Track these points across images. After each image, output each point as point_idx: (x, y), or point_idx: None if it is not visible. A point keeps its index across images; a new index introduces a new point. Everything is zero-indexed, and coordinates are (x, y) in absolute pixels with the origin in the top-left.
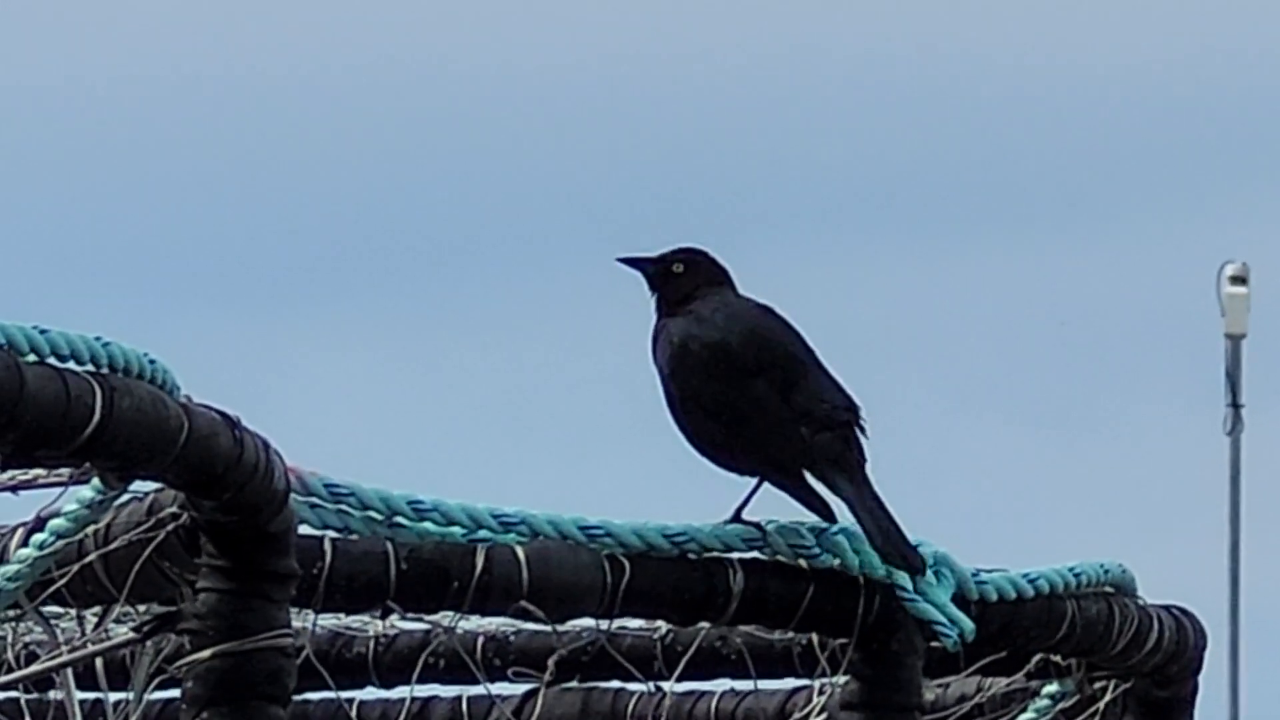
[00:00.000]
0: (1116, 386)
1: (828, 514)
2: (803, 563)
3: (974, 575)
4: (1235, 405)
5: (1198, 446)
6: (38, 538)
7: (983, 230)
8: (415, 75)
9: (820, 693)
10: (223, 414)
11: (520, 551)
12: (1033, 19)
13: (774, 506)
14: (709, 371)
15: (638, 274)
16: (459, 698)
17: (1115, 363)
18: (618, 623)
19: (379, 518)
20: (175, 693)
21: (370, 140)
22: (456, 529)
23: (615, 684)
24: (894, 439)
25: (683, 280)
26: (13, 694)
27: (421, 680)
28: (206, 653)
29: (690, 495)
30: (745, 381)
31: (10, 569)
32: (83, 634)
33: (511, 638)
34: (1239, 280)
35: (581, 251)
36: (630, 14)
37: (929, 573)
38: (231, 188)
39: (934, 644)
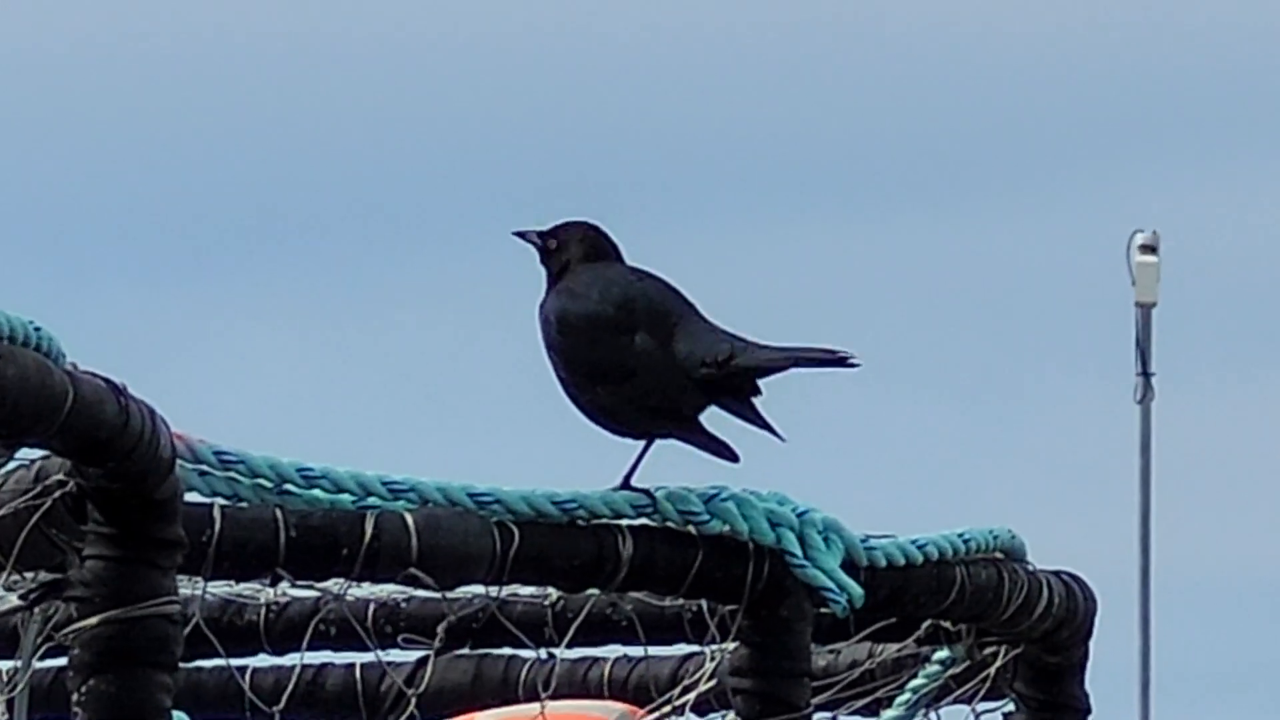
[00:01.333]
0: (1027, 355)
1: (730, 454)
2: (692, 529)
3: (863, 541)
4: (1146, 374)
5: (1109, 415)
6: None
7: (894, 199)
8: (324, 46)
9: (711, 659)
10: (108, 381)
11: (410, 518)
12: None
13: (663, 473)
14: (587, 340)
15: (528, 238)
16: (352, 664)
17: (1026, 331)
18: (508, 590)
19: (268, 485)
20: (64, 660)
21: (277, 110)
22: (346, 496)
23: (507, 651)
24: (803, 405)
25: (560, 254)
26: None
27: (313, 647)
28: (94, 620)
29: (582, 464)
30: (623, 339)
31: None
32: None
33: (402, 605)
34: (1149, 249)
35: (484, 223)
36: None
37: (819, 538)
38: (139, 155)
39: (823, 610)
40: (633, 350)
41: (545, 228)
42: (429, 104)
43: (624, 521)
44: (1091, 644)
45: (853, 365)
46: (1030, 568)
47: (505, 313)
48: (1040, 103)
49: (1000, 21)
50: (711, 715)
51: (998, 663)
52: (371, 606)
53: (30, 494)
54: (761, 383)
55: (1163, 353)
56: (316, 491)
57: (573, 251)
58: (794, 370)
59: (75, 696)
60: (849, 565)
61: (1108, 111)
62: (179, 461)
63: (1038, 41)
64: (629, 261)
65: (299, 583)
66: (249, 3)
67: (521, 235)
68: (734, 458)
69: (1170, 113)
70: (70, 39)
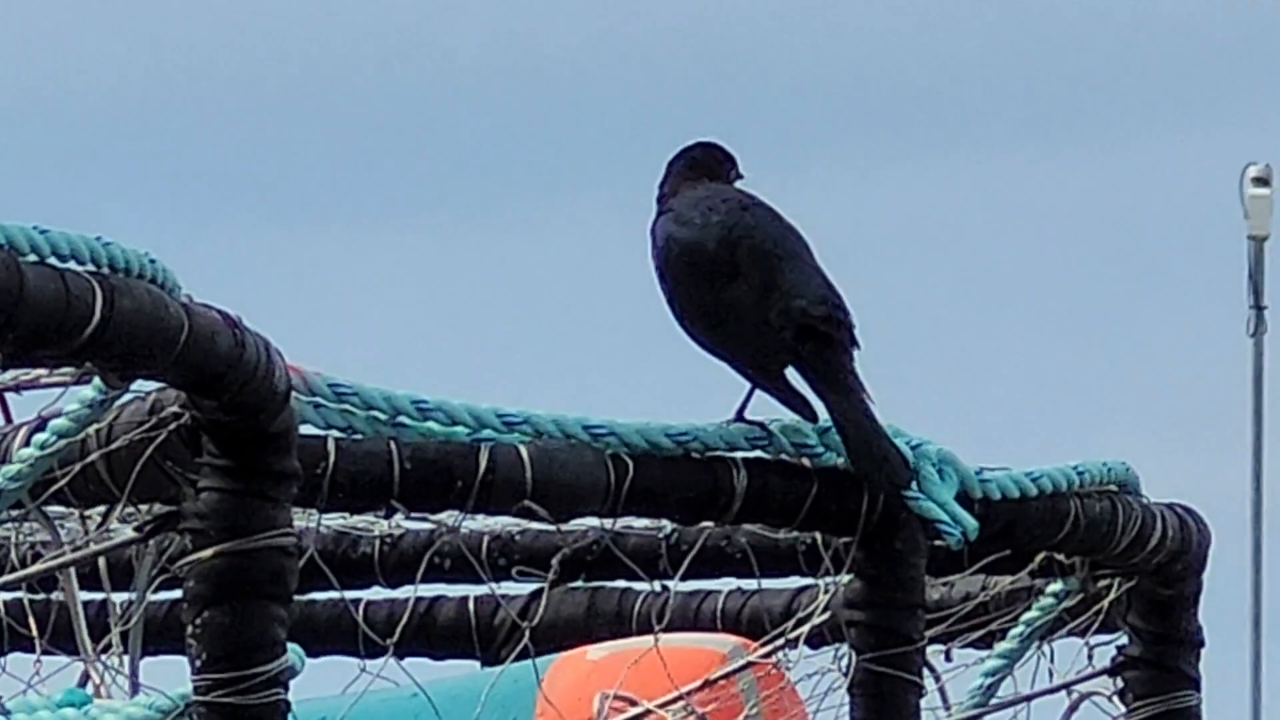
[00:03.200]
0: (1140, 288)
1: (810, 414)
2: (806, 461)
3: (977, 474)
4: (1259, 307)
5: (1221, 348)
6: (39, 437)
7: (1008, 135)
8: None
9: (825, 592)
10: (223, 314)
11: (524, 451)
12: None
13: (777, 406)
14: (689, 273)
15: (648, 170)
16: (465, 598)
17: (1139, 265)
18: (622, 522)
19: (383, 417)
20: (178, 592)
21: (389, 52)
22: (460, 429)
23: (620, 583)
24: (916, 339)
25: (670, 173)
26: (17, 594)
27: (427, 580)
28: (208, 552)
29: (697, 397)
30: (722, 285)
31: (12, 468)
32: (86, 533)
33: (516, 537)
34: (1262, 182)
35: (597, 158)
36: None
37: (933, 470)
38: (256, 95)
39: (938, 542)
40: (726, 299)
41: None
42: (541, 43)
43: (738, 454)
44: (1204, 577)
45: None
46: (1144, 500)
47: (619, 244)
48: (1151, 38)
49: None
50: (825, 648)
51: (1111, 595)
52: (486, 539)
53: (145, 426)
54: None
55: (1276, 286)
56: (431, 424)
57: (681, 170)
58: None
59: (190, 629)
60: (963, 498)
61: (1219, 45)
62: (294, 394)
63: None
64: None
65: (413, 515)
66: None
67: None
68: (814, 418)
69: None
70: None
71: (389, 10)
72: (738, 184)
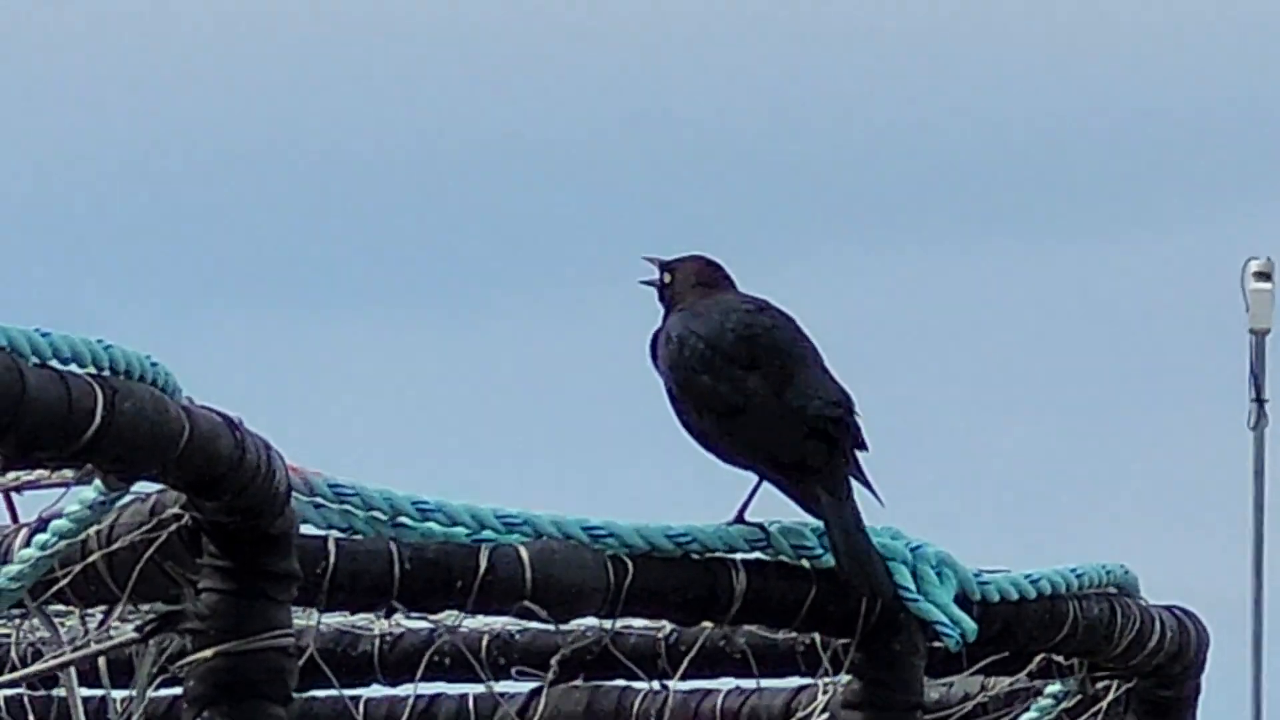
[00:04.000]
0: (1140, 381)
1: (817, 514)
2: (805, 563)
3: (976, 576)
4: (1259, 400)
5: (1222, 442)
6: (40, 538)
7: (1012, 228)
8: (437, 92)
9: (824, 692)
10: (224, 416)
11: (524, 551)
12: (1058, 19)
13: (776, 507)
14: (705, 364)
15: (652, 283)
16: (464, 696)
17: (1139, 358)
18: (621, 622)
19: (383, 518)
20: (178, 691)
21: (387, 145)
22: (460, 529)
23: (620, 683)
24: (915, 433)
25: (676, 284)
26: (17, 691)
27: (427, 678)
28: (208, 652)
29: (695, 496)
30: (740, 375)
31: (13, 568)
32: (86, 633)
33: (516, 636)
34: (1263, 276)
35: (596, 259)
36: (641, 27)
37: (932, 572)
38: (252, 193)
39: (936, 644)
40: (746, 388)
41: (666, 259)
42: (541, 142)
43: (738, 555)
44: (1204, 678)
45: None
46: (1142, 602)
47: (619, 344)
48: (1156, 132)
49: (1113, 53)
50: None
51: (1110, 696)
52: (485, 638)
53: (146, 527)
54: (868, 410)
55: (1276, 379)
56: (431, 524)
57: (688, 282)
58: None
59: None
60: (962, 599)
61: (1222, 140)
62: (294, 494)
63: (1153, 72)
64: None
65: (413, 615)
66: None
67: (649, 259)
68: (821, 516)
69: None
70: (199, 75)
71: (384, 107)
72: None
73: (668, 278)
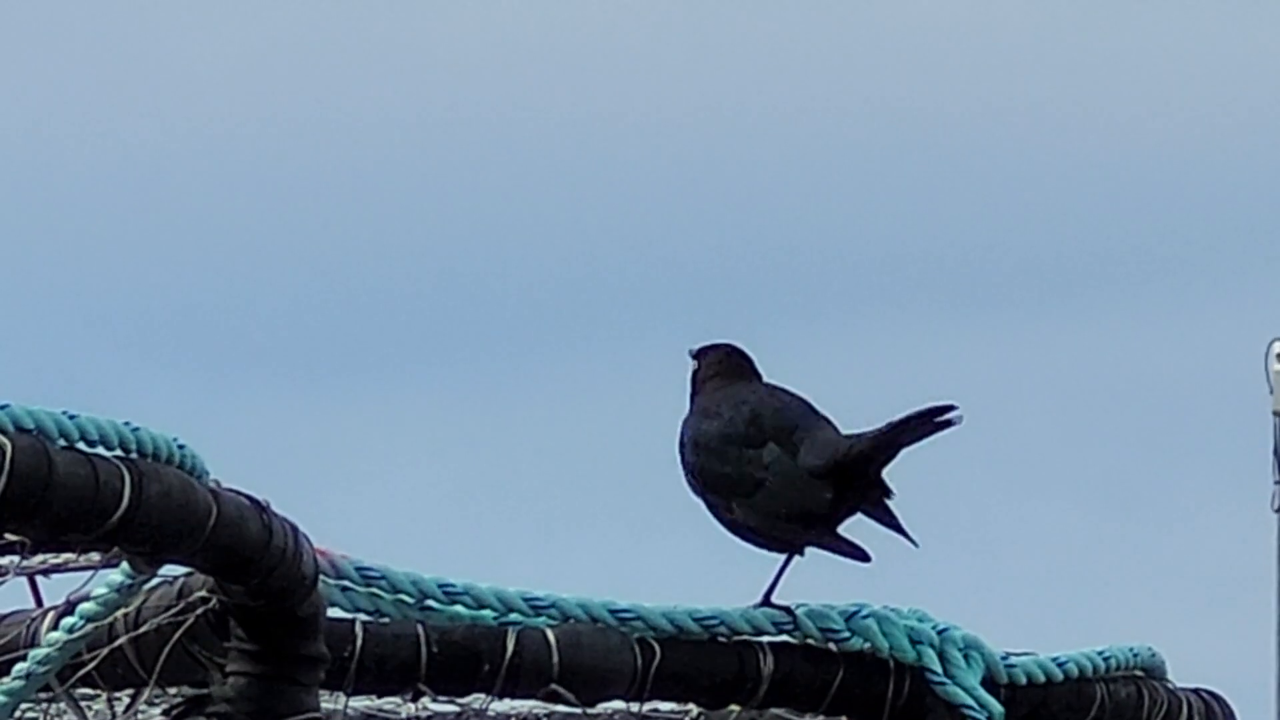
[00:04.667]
0: (1165, 463)
1: (862, 555)
2: (832, 646)
3: (1003, 658)
4: None
5: (1246, 524)
6: (68, 621)
7: (1033, 305)
8: (468, 162)
9: None
10: (251, 499)
11: (551, 634)
12: (1079, 95)
13: (803, 590)
14: (718, 456)
15: (680, 353)
16: None
17: (1163, 439)
18: (649, 705)
19: (410, 601)
20: None
21: (414, 226)
22: (488, 612)
23: None
24: (945, 516)
25: (702, 373)
26: None
27: None
28: None
29: (723, 579)
30: (751, 453)
31: (41, 652)
32: (114, 716)
33: (543, 719)
34: None
35: (625, 340)
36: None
37: (959, 655)
38: (275, 272)
39: None
40: (761, 462)
41: (697, 347)
42: (565, 221)
43: (765, 638)
44: None
45: (953, 423)
46: (1170, 686)
47: (646, 424)
48: (1178, 210)
49: (1135, 132)
50: None
51: None
52: None
53: (173, 610)
54: (894, 485)
55: None
56: (458, 607)
57: (711, 371)
58: (911, 450)
59: None
60: (989, 682)
61: (1246, 220)
62: (321, 577)
63: (1174, 149)
64: (767, 379)
65: (440, 698)
66: (377, 116)
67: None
68: (865, 558)
69: None
70: (219, 147)
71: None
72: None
73: (695, 365)
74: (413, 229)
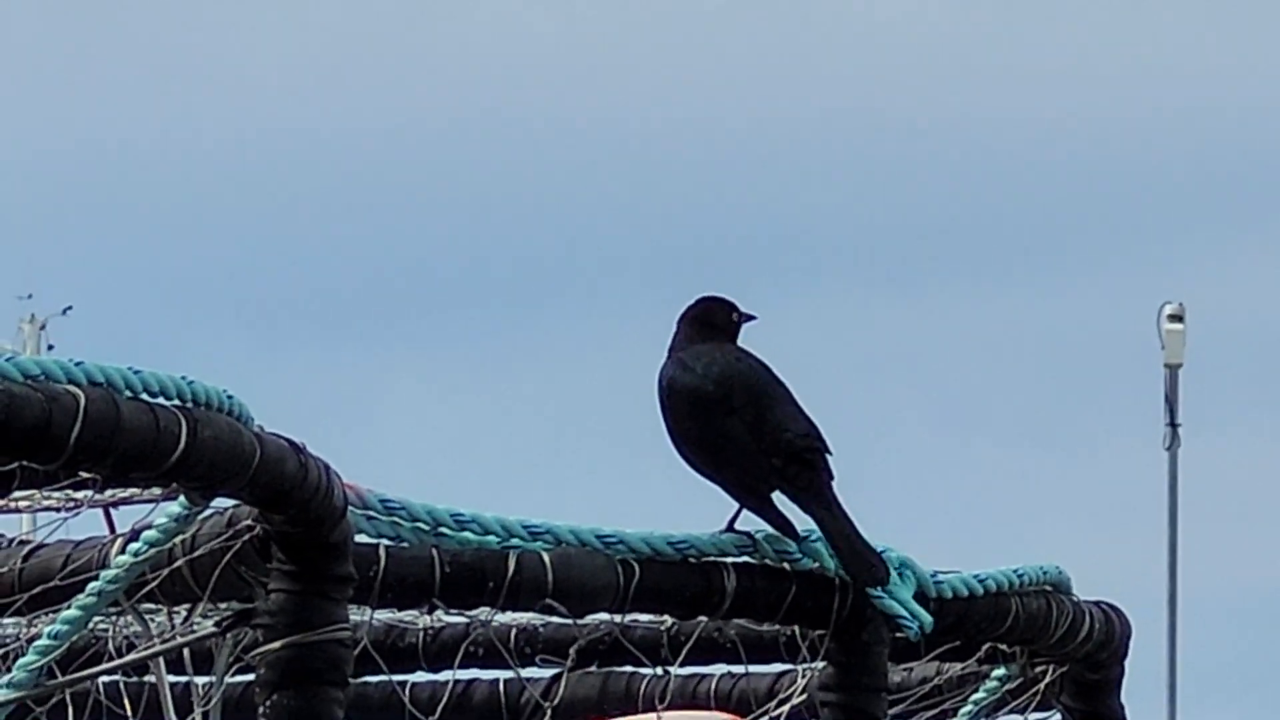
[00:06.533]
0: (1073, 407)
1: (792, 532)
2: (786, 565)
3: (933, 576)
4: (1173, 425)
5: (1142, 460)
6: (134, 546)
7: (959, 275)
8: (491, 132)
9: (802, 676)
10: (290, 441)
11: (546, 556)
12: (990, 83)
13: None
14: (689, 411)
15: (660, 312)
16: (496, 680)
17: (1069, 389)
18: (630, 617)
19: (426, 528)
20: (251, 677)
21: (438, 190)
22: (492, 538)
23: (629, 669)
24: (882, 454)
25: (682, 324)
26: (114, 679)
27: (463, 666)
28: (277, 644)
29: (692, 508)
30: (720, 420)
31: (111, 573)
32: (173, 627)
33: (540, 629)
34: (1176, 318)
35: (613, 303)
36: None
37: (894, 573)
38: (315, 235)
39: (898, 634)
40: (724, 432)
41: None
42: (571, 185)
43: (728, 559)
44: (1127, 663)
45: None
46: (1074, 598)
47: (631, 375)
48: (1079, 188)
49: (1038, 107)
50: None
51: (1047, 679)
52: (513, 631)
53: (223, 537)
54: (840, 432)
55: (1187, 407)
56: (467, 534)
57: (690, 324)
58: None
59: (261, 710)
60: (920, 596)
61: (1140, 196)
62: (350, 508)
63: (1074, 126)
64: (740, 340)
65: (451, 611)
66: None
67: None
68: (798, 538)
69: (1194, 197)
70: (267, 125)
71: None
72: (751, 324)
73: (683, 311)
74: (433, 198)
